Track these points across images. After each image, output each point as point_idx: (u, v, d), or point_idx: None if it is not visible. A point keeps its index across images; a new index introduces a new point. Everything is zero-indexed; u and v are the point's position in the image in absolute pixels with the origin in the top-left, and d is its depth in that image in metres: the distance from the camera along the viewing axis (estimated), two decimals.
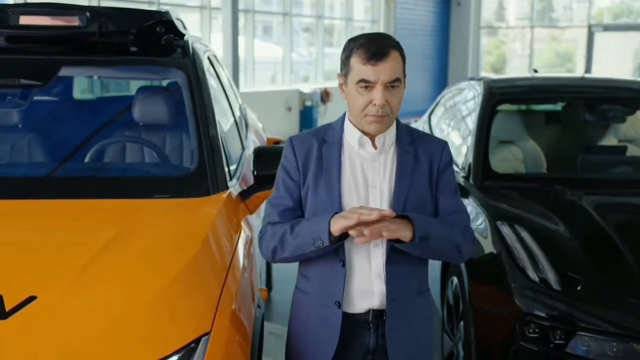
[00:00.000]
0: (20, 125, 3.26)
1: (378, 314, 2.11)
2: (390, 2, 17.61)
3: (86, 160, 3.06)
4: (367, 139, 2.11)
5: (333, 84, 16.02)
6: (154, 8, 11.58)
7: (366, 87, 2.01)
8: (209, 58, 3.72)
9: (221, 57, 11.76)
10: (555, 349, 2.81)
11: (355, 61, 2.02)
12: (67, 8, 3.31)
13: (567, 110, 4.69)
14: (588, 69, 18.25)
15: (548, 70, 19.76)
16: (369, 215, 1.90)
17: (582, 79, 5.33)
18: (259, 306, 2.41)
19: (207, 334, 1.90)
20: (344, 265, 2.07)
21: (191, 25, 12.99)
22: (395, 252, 2.07)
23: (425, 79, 19.12)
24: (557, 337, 2.80)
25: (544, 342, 2.82)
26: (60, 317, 1.86)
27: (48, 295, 1.91)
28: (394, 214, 1.95)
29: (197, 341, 1.87)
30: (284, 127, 13.68)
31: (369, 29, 18.08)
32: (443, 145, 2.21)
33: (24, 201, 2.59)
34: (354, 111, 2.08)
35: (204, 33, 12.52)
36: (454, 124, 5.00)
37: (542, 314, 2.85)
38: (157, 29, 3.32)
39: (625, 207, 3.70)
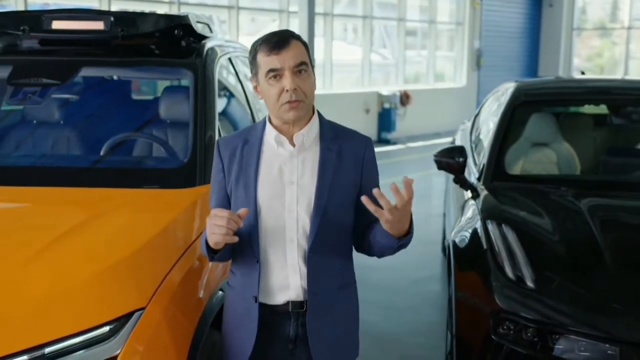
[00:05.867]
0: (35, 121, 3.59)
1: (298, 304, 2.18)
2: (475, 4, 17.44)
3: (101, 153, 3.34)
4: (284, 138, 2.17)
5: (413, 86, 16.06)
6: (232, 12, 12.03)
7: (275, 76, 2.08)
8: (230, 60, 3.93)
9: None
10: (527, 347, 2.84)
11: (260, 56, 2.10)
12: (94, 13, 3.61)
13: (600, 113, 4.64)
14: None
15: None
16: (229, 216, 1.99)
17: (617, 81, 5.23)
18: (221, 290, 2.59)
19: (141, 309, 2.12)
20: (258, 261, 2.16)
21: (270, 28, 13.44)
22: (315, 246, 2.14)
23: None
24: (530, 335, 2.84)
25: (517, 340, 2.87)
26: (11, 288, 2.13)
27: (4, 268, 2.20)
28: (248, 212, 2.04)
29: (129, 315, 2.09)
30: (362, 129, 13.49)
31: (453, 31, 17.97)
32: (366, 141, 2.26)
33: (22, 188, 2.90)
34: (271, 105, 2.14)
35: None
36: (490, 126, 5.03)
37: (516, 312, 2.88)
38: (176, 32, 3.57)
39: (625, 210, 3.66)
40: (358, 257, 2.34)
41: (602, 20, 20.83)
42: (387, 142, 14.65)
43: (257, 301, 2.17)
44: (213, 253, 2.12)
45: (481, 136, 5.05)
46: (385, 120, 14.81)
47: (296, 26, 11.96)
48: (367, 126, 14.36)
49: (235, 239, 2.04)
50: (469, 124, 6.21)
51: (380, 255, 2.24)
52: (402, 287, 5.77)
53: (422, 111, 15.65)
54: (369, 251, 2.26)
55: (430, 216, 8.33)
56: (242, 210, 2.04)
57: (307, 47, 2.17)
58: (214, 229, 2.01)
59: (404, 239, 2.08)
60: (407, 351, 4.50)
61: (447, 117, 16.19)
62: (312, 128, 2.19)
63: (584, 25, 20.86)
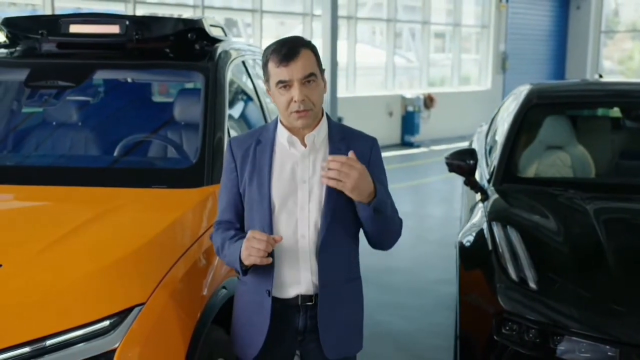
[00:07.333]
0: (54, 123, 3.69)
1: (307, 298, 2.29)
2: (501, 6, 17.35)
3: (114, 154, 3.42)
4: (295, 139, 2.26)
5: (437, 90, 16.02)
6: (256, 15, 12.12)
7: (285, 86, 2.18)
8: (244, 62, 3.99)
9: None
10: (529, 348, 2.86)
11: (271, 66, 2.20)
12: (110, 17, 3.70)
13: (614, 116, 4.63)
14: None
15: None
16: (267, 240, 2.13)
17: (633, 84, 5.19)
18: (224, 287, 2.66)
19: (141, 304, 2.20)
20: (272, 257, 2.21)
21: (296, 32, 13.53)
22: (325, 242, 2.25)
23: None
24: (532, 336, 2.86)
25: (520, 341, 2.89)
26: (17, 282, 2.21)
27: (12, 263, 2.28)
28: (282, 238, 2.18)
29: (130, 309, 2.16)
30: (385, 132, 13.85)
31: (478, 34, 17.90)
32: (372, 141, 2.34)
33: (37, 187, 2.99)
34: (281, 111, 2.25)
35: None
36: (504, 128, 5.03)
37: (519, 313, 2.91)
38: (189, 36, 3.64)
39: (631, 213, 3.65)
40: (375, 259, 2.40)
41: (634, 23, 20.58)
42: (410, 145, 14.63)
43: (270, 295, 2.27)
44: (246, 268, 2.24)
45: (496, 138, 5.06)
46: (409, 123, 14.79)
47: (319, 29, 12.03)
48: (390, 129, 14.36)
49: (270, 260, 2.17)
50: (485, 127, 6.21)
51: (379, 237, 2.32)
52: (418, 288, 5.79)
53: (447, 114, 15.61)
54: (371, 240, 2.33)
55: (450, 218, 8.34)
56: (277, 237, 2.18)
57: (317, 54, 2.25)
58: (252, 251, 2.14)
59: (372, 202, 2.15)
60: (419, 352, 4.53)
61: (472, 121, 16.06)
62: (322, 129, 2.29)
63: (616, 28, 20.62)
